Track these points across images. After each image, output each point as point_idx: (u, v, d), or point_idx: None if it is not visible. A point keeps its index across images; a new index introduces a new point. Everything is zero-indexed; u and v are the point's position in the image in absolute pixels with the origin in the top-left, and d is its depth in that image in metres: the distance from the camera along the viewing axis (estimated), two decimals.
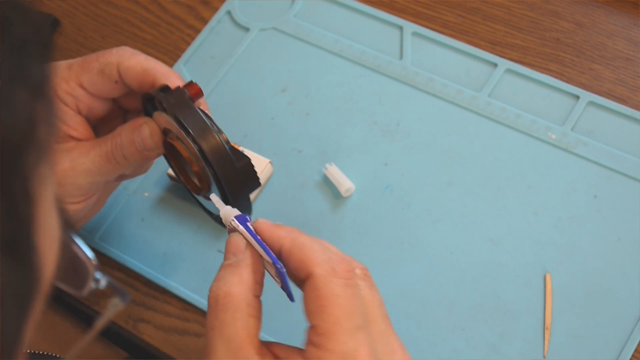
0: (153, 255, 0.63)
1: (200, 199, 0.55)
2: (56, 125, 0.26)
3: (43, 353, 0.54)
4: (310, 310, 0.40)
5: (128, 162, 0.53)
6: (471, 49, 0.68)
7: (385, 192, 0.63)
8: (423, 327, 0.57)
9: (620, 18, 0.68)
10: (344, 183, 0.62)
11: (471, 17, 0.70)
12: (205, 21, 0.74)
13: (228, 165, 0.49)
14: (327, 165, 0.63)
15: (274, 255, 0.43)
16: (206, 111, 0.52)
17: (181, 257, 0.62)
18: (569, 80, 0.65)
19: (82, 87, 0.53)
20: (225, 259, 0.44)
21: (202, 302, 0.60)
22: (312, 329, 0.40)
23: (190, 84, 0.52)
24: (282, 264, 0.42)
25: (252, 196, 0.63)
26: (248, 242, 0.43)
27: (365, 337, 0.40)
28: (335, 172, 0.63)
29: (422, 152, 0.64)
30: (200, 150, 0.49)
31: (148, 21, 0.75)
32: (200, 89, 0.52)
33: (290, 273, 0.43)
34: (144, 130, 0.52)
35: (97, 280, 0.36)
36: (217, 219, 0.55)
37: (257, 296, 0.43)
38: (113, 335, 0.62)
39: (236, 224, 0.44)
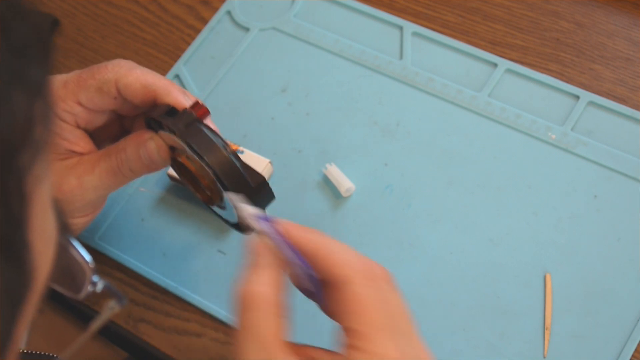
0: (153, 255, 0.63)
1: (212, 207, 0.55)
2: (53, 125, 0.26)
3: (40, 353, 0.54)
4: (343, 312, 0.41)
5: (135, 174, 0.54)
6: (471, 49, 0.68)
7: (385, 192, 0.62)
8: (423, 327, 0.57)
9: (620, 18, 0.68)
10: (344, 183, 0.62)
11: (471, 17, 0.70)
12: (205, 21, 0.74)
13: (244, 186, 0.49)
14: (327, 165, 0.63)
15: (305, 260, 0.42)
16: (212, 127, 0.51)
17: (181, 257, 0.62)
18: (569, 80, 0.65)
19: (79, 104, 0.53)
20: (250, 259, 0.43)
21: (202, 302, 0.60)
22: (349, 332, 0.40)
23: (197, 105, 0.51)
24: (312, 270, 0.42)
25: None
26: (272, 242, 0.43)
27: (398, 339, 0.41)
28: (335, 172, 0.63)
29: (422, 152, 0.64)
30: (216, 174, 0.49)
31: (148, 21, 0.75)
32: (207, 109, 0.51)
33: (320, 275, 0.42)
34: (150, 146, 0.52)
35: (94, 284, 0.36)
36: (232, 225, 0.55)
37: (283, 296, 0.42)
38: (113, 335, 0.62)
39: (263, 225, 0.43)
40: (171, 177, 0.64)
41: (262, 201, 0.51)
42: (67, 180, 0.52)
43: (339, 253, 0.41)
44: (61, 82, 0.53)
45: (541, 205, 0.60)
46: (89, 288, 0.36)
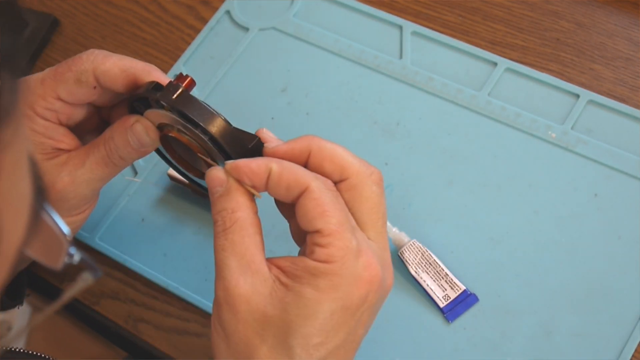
0: (153, 255, 0.63)
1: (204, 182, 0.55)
2: (22, 92, 0.26)
3: (36, 353, 0.53)
4: (311, 217, 0.44)
5: (126, 162, 0.53)
6: (471, 48, 0.67)
7: (385, 191, 0.62)
8: (424, 326, 0.57)
9: (620, 18, 0.68)
10: None
11: (471, 17, 0.70)
12: (205, 21, 0.74)
13: (241, 148, 0.49)
14: None
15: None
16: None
17: (181, 257, 0.62)
18: (569, 81, 0.65)
19: (59, 99, 0.53)
20: (212, 193, 0.47)
21: (202, 302, 0.60)
22: (317, 233, 0.44)
23: (182, 76, 0.51)
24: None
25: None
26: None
27: (362, 235, 0.46)
28: None
29: (422, 151, 0.64)
30: (212, 139, 0.49)
31: (148, 21, 0.75)
32: (192, 80, 0.51)
33: (283, 194, 0.46)
34: (137, 129, 0.52)
35: (71, 256, 0.36)
36: None
37: (256, 214, 0.47)
38: (113, 335, 0.62)
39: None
40: (171, 177, 0.64)
41: None
42: (59, 178, 0.52)
43: (295, 170, 0.46)
44: (38, 81, 0.53)
45: (542, 203, 0.60)
46: (66, 260, 0.36)
